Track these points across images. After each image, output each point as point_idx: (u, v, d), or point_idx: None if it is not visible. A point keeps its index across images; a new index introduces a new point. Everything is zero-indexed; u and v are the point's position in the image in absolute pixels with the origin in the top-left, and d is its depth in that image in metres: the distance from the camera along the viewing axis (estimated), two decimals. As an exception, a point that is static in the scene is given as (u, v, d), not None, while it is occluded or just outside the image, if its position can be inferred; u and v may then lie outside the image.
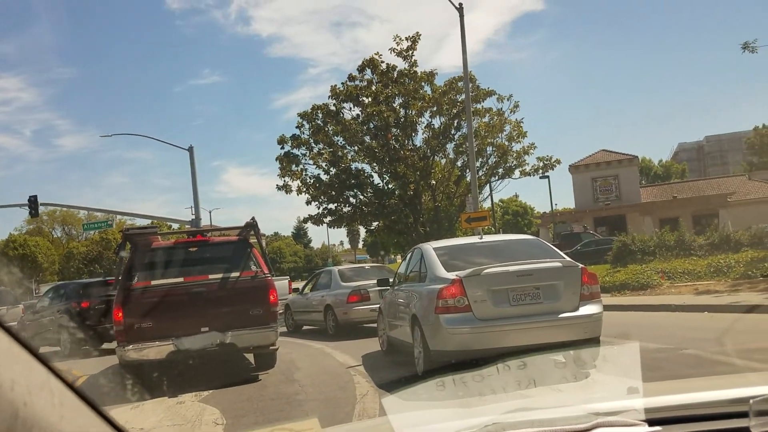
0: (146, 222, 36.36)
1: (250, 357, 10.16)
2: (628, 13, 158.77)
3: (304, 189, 31.37)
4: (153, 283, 8.89)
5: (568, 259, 7.63)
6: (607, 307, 9.12)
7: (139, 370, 8.75)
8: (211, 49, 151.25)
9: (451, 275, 7.26)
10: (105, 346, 14.46)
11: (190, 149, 30.72)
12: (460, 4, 21.10)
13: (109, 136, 33.84)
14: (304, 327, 16.63)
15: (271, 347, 9.28)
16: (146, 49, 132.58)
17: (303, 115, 31.68)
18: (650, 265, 18.41)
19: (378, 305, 11.14)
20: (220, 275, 9.13)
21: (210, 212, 69.57)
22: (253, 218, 9.67)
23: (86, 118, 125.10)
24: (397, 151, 30.58)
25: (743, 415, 1.62)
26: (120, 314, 8.56)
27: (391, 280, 10.44)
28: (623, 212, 42.94)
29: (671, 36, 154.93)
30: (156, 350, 8.57)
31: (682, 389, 2.16)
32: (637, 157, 46.69)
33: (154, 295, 8.76)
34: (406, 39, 30.39)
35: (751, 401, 1.62)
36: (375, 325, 11.45)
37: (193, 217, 31.30)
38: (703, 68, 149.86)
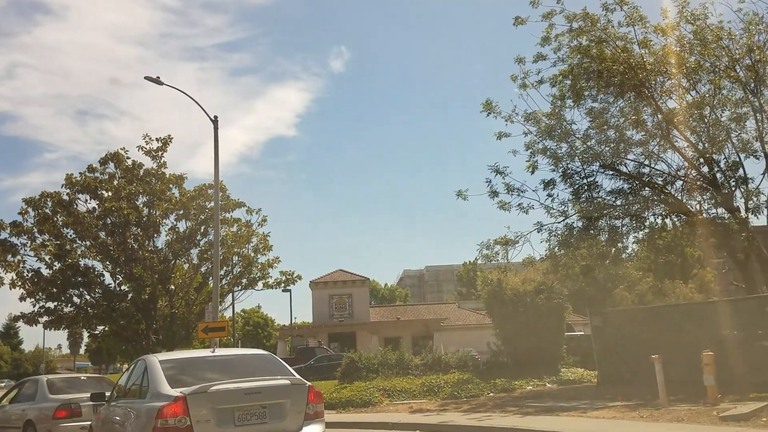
0: None
1: None
2: (367, 153, 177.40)
3: (20, 283, 27.64)
4: None
5: (296, 376, 7.78)
6: (331, 425, 9.46)
7: None
8: None
9: (175, 392, 6.92)
10: None
11: None
12: (216, 117, 21.63)
13: None
14: (-6, 448, 14.01)
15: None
16: None
17: (29, 201, 28.55)
18: (373, 382, 19.55)
19: (90, 422, 10.01)
20: None
21: None
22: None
23: None
24: (135, 251, 28.90)
25: None
26: None
27: (108, 393, 9.55)
28: (354, 330, 45.37)
29: (401, 177, 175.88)
30: None
31: None
32: (368, 279, 50.36)
33: None
34: (157, 140, 29.86)
35: None
36: (83, 445, 10.21)
37: None
38: (426, 207, 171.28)
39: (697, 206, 18.38)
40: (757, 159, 17.50)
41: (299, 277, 33.39)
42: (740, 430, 9.06)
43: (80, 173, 28.96)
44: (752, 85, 16.83)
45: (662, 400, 12.18)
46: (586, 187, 19.01)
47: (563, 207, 19.06)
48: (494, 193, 19.15)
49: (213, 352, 8.66)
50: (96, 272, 29.31)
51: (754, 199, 17.28)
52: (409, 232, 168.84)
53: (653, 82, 17.50)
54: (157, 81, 20.94)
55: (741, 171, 17.67)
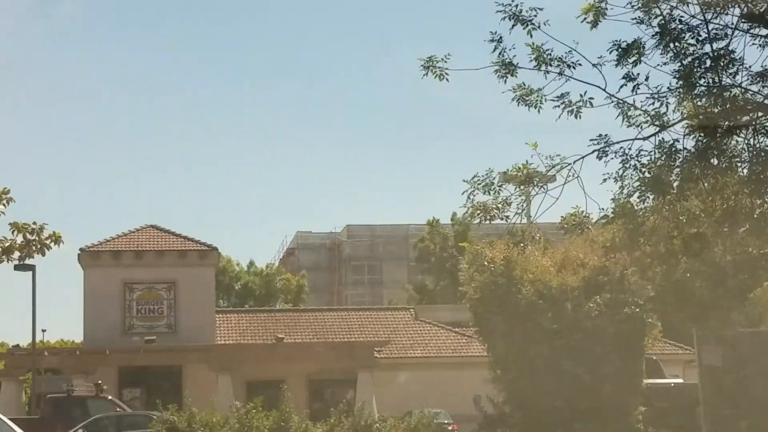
0: None
1: None
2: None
3: None
4: None
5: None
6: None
7: None
8: None
9: None
10: None
11: None
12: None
13: None
14: None
15: None
16: None
17: None
18: None
19: None
20: None
21: None
22: None
23: None
24: None
25: None
26: None
27: None
28: (180, 361, 31.35)
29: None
30: None
31: None
32: (216, 249, 35.85)
33: None
34: None
35: None
36: None
37: None
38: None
39: None
40: None
41: (58, 239, 18.68)
42: None
43: None
44: None
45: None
46: (709, 61, 9.59)
47: (657, 103, 9.72)
48: (507, 66, 9.64)
49: None
50: None
51: None
52: (310, 155, 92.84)
53: None
54: None
55: None
